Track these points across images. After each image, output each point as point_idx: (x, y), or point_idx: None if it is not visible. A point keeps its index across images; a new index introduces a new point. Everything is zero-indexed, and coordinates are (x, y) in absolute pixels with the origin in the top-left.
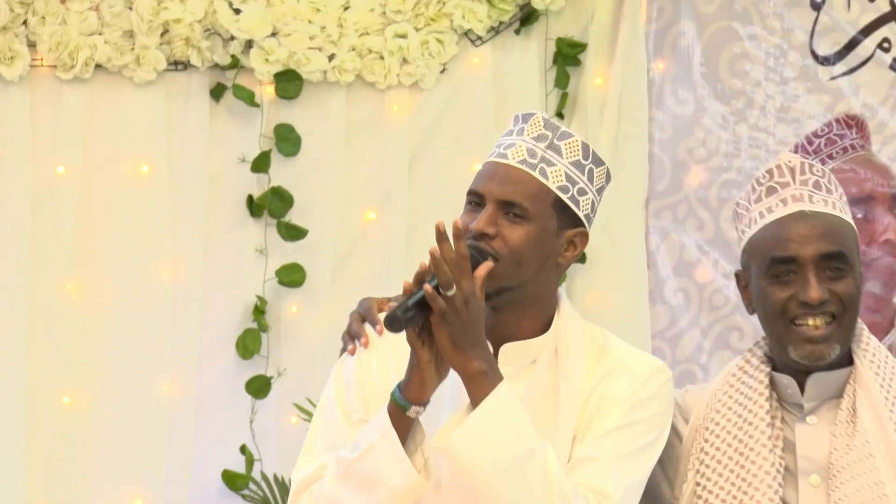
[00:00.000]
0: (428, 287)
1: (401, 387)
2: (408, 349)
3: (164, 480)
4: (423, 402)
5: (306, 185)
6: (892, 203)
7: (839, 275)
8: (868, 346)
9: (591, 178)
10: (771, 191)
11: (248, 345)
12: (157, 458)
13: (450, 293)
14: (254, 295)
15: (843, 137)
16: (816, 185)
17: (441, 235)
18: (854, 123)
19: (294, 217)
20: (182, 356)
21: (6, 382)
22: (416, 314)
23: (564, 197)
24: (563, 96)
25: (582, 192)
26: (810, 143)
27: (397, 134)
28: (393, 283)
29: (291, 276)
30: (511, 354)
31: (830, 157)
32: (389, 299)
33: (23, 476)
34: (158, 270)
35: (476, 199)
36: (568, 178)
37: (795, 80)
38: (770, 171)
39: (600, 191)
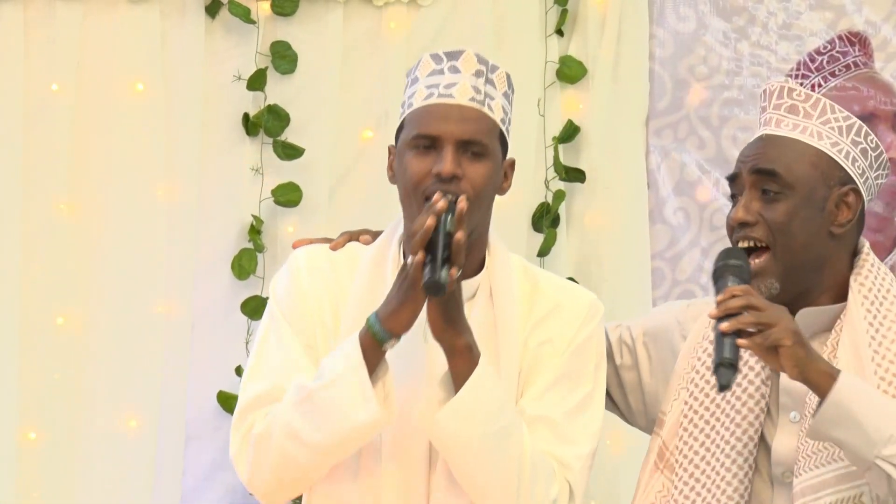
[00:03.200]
0: (455, 272)
1: (380, 318)
2: (347, 273)
3: (159, 402)
4: (400, 336)
5: (303, 104)
6: (894, 121)
7: (773, 198)
8: (867, 280)
9: (512, 106)
10: (761, 112)
11: (243, 265)
12: (152, 379)
13: (457, 275)
14: (249, 215)
15: (846, 55)
16: (791, 110)
17: (461, 217)
18: (857, 41)
19: (290, 136)
20: (177, 277)
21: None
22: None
23: (503, 128)
24: (563, 13)
25: (509, 121)
26: (812, 60)
27: (395, 52)
28: (390, 203)
29: (287, 196)
30: None
31: (833, 74)
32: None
33: (17, 398)
34: (153, 190)
35: (427, 143)
36: (503, 109)
37: None
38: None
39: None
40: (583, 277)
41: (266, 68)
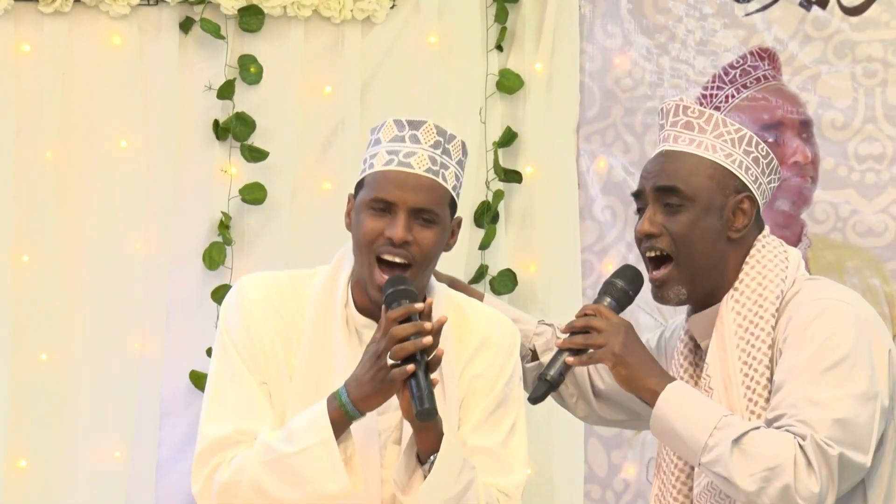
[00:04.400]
0: (436, 379)
1: (352, 396)
2: (293, 303)
3: (138, 379)
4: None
5: (267, 111)
6: (800, 128)
7: (674, 210)
8: (742, 272)
9: (464, 170)
10: (660, 129)
11: (214, 257)
12: (129, 355)
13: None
14: (219, 211)
15: (757, 69)
16: (687, 126)
17: (437, 330)
18: (766, 56)
19: (256, 140)
20: (154, 267)
21: None
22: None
23: (454, 194)
24: (502, 30)
25: (461, 185)
26: (726, 73)
27: (351, 64)
28: (345, 202)
29: (253, 195)
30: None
31: (745, 86)
32: None
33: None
34: (133, 187)
35: (382, 206)
36: (456, 177)
37: (713, 16)
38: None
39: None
40: (519, 269)
41: (234, 79)
